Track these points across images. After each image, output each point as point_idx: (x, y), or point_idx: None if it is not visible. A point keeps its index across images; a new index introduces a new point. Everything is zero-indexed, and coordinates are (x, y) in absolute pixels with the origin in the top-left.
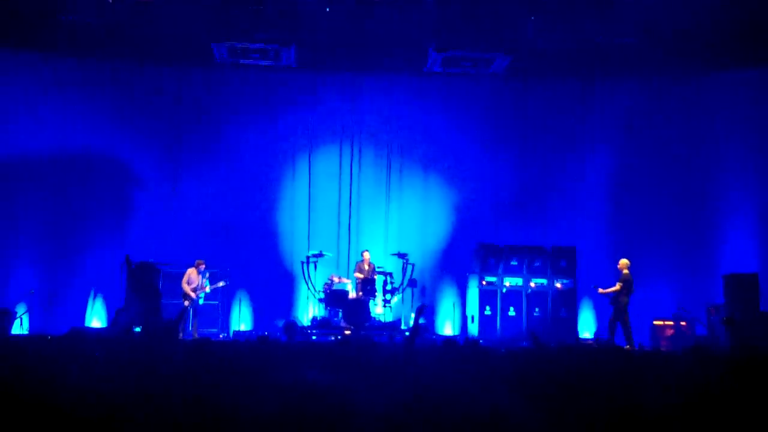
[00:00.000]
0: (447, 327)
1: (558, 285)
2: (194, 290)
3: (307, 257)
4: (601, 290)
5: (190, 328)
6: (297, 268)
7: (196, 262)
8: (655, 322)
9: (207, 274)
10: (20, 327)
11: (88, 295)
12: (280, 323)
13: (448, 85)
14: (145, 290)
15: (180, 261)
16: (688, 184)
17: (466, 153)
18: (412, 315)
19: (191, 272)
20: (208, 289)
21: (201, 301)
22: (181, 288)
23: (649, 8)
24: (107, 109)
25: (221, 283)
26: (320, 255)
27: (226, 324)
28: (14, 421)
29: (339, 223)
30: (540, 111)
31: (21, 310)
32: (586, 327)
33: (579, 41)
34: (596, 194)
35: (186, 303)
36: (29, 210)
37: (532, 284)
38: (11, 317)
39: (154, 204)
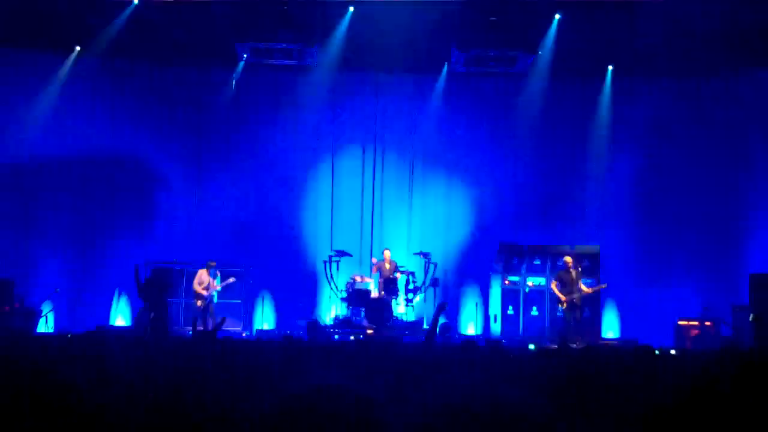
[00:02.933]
0: (470, 327)
1: (581, 285)
2: (205, 289)
3: (330, 256)
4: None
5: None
6: (320, 268)
7: (207, 262)
8: (680, 322)
9: (218, 273)
10: (45, 326)
11: (112, 294)
12: (303, 323)
13: (471, 85)
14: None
15: (203, 260)
16: (713, 183)
17: (488, 152)
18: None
19: (202, 273)
20: (219, 288)
21: (215, 299)
22: (192, 289)
23: (677, 6)
24: (131, 109)
25: (231, 279)
26: (343, 254)
27: (249, 323)
28: (34, 420)
29: (362, 222)
30: (564, 110)
31: (46, 308)
32: (610, 327)
33: (605, 40)
34: (620, 194)
35: (198, 303)
36: (55, 210)
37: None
38: (36, 316)
39: (178, 204)
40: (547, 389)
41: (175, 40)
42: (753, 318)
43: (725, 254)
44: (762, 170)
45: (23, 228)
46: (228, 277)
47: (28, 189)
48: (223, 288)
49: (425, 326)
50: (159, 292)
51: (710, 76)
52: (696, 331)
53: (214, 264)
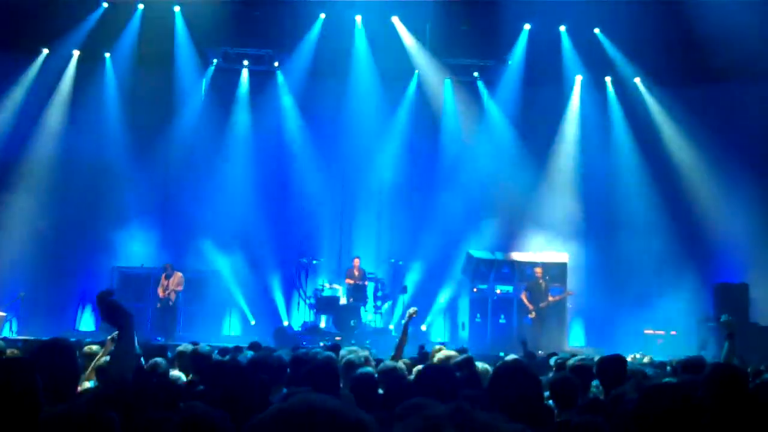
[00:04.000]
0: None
1: (549, 295)
2: (164, 290)
3: (299, 263)
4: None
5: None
6: (289, 274)
7: (164, 266)
8: (645, 332)
9: (175, 275)
10: (10, 331)
11: (78, 299)
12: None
13: (440, 92)
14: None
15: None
16: (679, 193)
17: (457, 159)
18: (402, 321)
19: (162, 277)
20: (178, 288)
21: (172, 302)
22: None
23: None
24: (98, 112)
25: (180, 279)
26: (313, 260)
27: (217, 331)
28: None
29: (332, 228)
30: (532, 117)
31: (10, 314)
32: (576, 336)
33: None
34: (588, 204)
35: (158, 305)
36: (20, 213)
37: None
38: (1, 320)
39: (146, 208)
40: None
41: (145, 41)
42: (724, 323)
43: (692, 265)
44: (728, 180)
45: None
46: (181, 279)
47: None
48: (184, 292)
49: (393, 333)
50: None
51: (685, 85)
52: (660, 341)
53: (169, 266)
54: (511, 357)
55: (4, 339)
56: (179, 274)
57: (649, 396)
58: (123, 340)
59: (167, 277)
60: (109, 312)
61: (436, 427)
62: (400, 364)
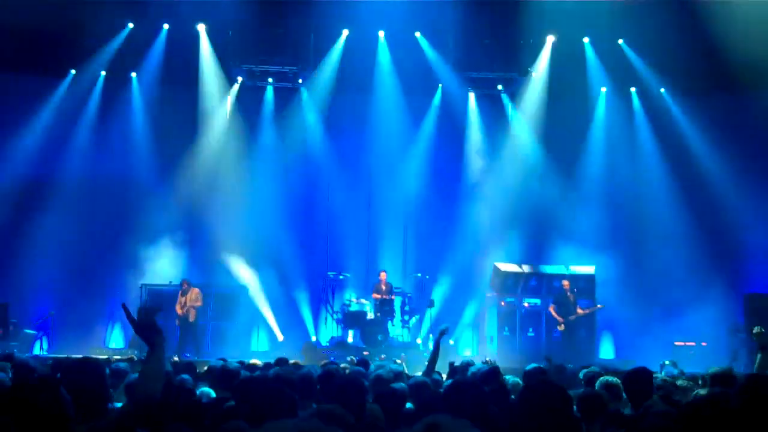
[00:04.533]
0: (466, 350)
1: (578, 307)
2: (181, 308)
3: (326, 278)
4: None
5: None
6: (317, 289)
7: (181, 282)
8: (676, 343)
9: (192, 291)
10: (41, 349)
11: (107, 317)
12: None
13: (464, 106)
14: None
15: (198, 282)
16: (708, 203)
17: (483, 173)
18: (431, 336)
19: (179, 294)
20: (199, 303)
21: (191, 318)
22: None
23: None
24: (126, 133)
25: (198, 297)
26: (340, 275)
27: (245, 347)
28: None
29: (358, 243)
30: (558, 131)
31: (41, 332)
32: (606, 348)
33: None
34: (616, 215)
35: (177, 323)
36: (50, 232)
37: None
38: (32, 339)
39: (174, 226)
40: None
41: (170, 61)
42: (757, 333)
43: (721, 275)
44: (755, 189)
45: (18, 250)
46: (199, 294)
47: (23, 211)
48: (212, 309)
49: (421, 348)
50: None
51: (711, 95)
52: (691, 352)
53: (185, 282)
54: (532, 366)
55: (35, 357)
56: (196, 289)
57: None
58: (153, 357)
59: (184, 294)
60: (144, 327)
61: None
62: (430, 379)
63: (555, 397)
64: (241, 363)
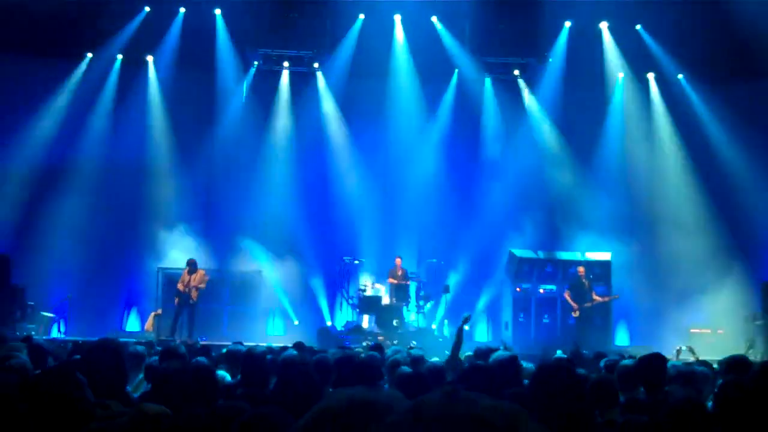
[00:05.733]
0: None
1: (593, 294)
2: (184, 286)
3: (342, 263)
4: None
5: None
6: (332, 274)
7: (187, 261)
8: (692, 330)
9: (197, 271)
10: (58, 332)
11: (124, 300)
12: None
13: (479, 90)
14: None
15: (215, 265)
16: (726, 190)
17: (498, 158)
18: (446, 322)
19: (183, 272)
20: (201, 285)
21: (193, 300)
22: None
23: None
24: (144, 115)
25: (206, 277)
26: (355, 261)
27: (261, 331)
28: None
29: (373, 228)
30: (574, 117)
31: (59, 315)
32: (621, 335)
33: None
34: (631, 201)
35: (176, 301)
36: (67, 216)
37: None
38: (50, 321)
39: (190, 211)
40: None
41: (186, 44)
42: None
43: (738, 262)
44: None
45: (36, 234)
46: (205, 276)
47: (40, 195)
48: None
49: (436, 333)
50: None
51: (729, 81)
52: (711, 340)
53: (193, 262)
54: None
55: (53, 340)
56: (202, 271)
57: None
58: None
59: (190, 272)
60: None
61: (421, 406)
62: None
63: (566, 378)
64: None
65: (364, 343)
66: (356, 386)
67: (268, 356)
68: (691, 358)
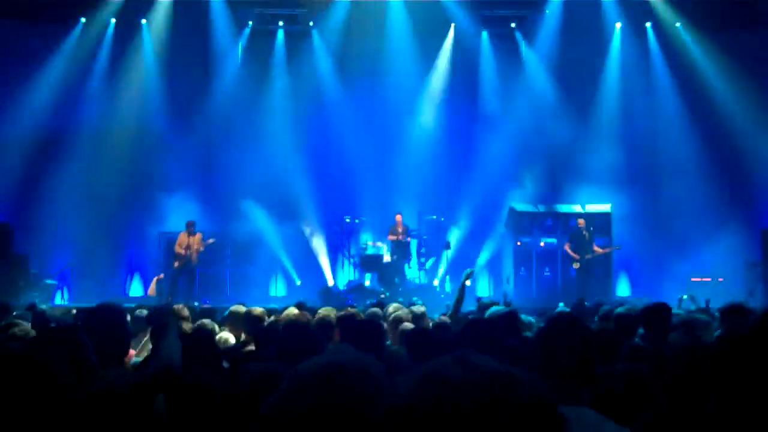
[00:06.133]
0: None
1: (594, 246)
2: (185, 249)
3: (342, 222)
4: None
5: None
6: (333, 233)
7: (186, 223)
8: (693, 279)
9: (199, 234)
10: (61, 299)
11: (126, 267)
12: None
13: (476, 45)
14: None
15: (214, 230)
16: (725, 138)
17: (495, 112)
18: (448, 278)
19: (181, 235)
20: (201, 248)
21: (194, 262)
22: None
23: None
24: (140, 80)
25: (210, 240)
26: (356, 219)
27: (264, 292)
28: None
29: (373, 186)
30: (573, 68)
31: (61, 282)
32: (622, 286)
33: None
34: (631, 153)
35: (176, 264)
36: (67, 183)
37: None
38: (52, 289)
39: (189, 174)
40: None
41: (180, 7)
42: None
43: (738, 211)
44: None
45: (35, 202)
46: (208, 239)
47: (38, 162)
48: (230, 255)
49: (438, 289)
50: None
51: (727, 29)
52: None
53: (192, 223)
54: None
55: (56, 307)
56: (200, 234)
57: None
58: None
59: (190, 235)
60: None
61: (433, 372)
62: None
63: (576, 332)
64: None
65: (368, 302)
66: (329, 351)
67: (270, 317)
68: (693, 306)
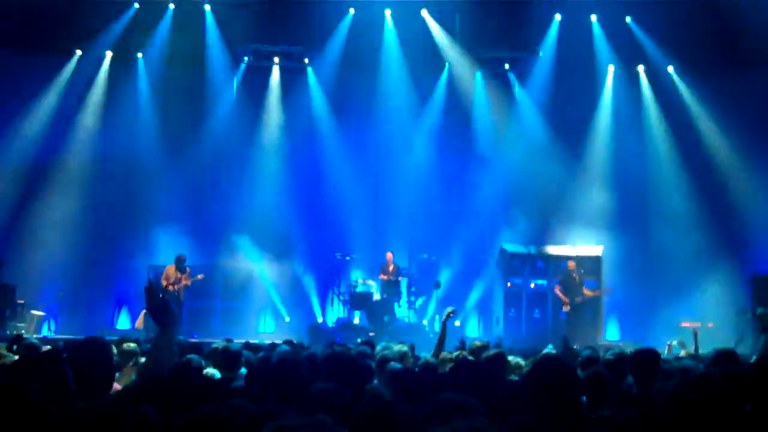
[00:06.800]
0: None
1: (584, 289)
2: (172, 284)
3: (334, 259)
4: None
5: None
6: (323, 270)
7: (175, 257)
8: (683, 324)
9: (187, 269)
10: (48, 330)
11: (115, 299)
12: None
13: (469, 86)
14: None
15: (204, 263)
16: (716, 185)
17: (486, 154)
18: (438, 317)
19: (169, 268)
20: (189, 283)
21: (182, 297)
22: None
23: None
24: (131, 113)
25: (199, 276)
26: (346, 257)
27: (252, 328)
28: None
29: (364, 224)
30: (564, 111)
31: (49, 314)
32: (612, 329)
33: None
34: (622, 196)
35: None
36: (57, 213)
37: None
38: (40, 320)
39: (179, 207)
40: None
41: (176, 41)
42: (761, 314)
43: (728, 256)
44: (764, 170)
45: (26, 232)
46: (197, 274)
47: (30, 193)
48: (221, 290)
49: (427, 329)
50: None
51: (719, 73)
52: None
53: (183, 258)
54: (547, 350)
55: (43, 338)
56: (188, 269)
57: (685, 389)
58: (163, 338)
59: (181, 271)
60: (156, 308)
61: None
62: (437, 360)
63: (564, 377)
64: (247, 344)
65: (359, 340)
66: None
67: (260, 353)
68: (682, 352)
